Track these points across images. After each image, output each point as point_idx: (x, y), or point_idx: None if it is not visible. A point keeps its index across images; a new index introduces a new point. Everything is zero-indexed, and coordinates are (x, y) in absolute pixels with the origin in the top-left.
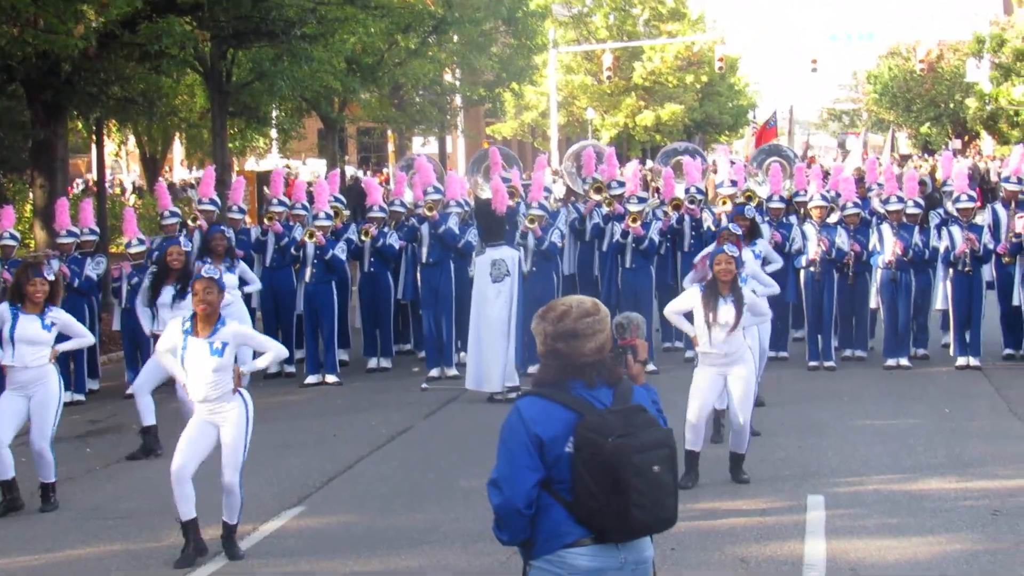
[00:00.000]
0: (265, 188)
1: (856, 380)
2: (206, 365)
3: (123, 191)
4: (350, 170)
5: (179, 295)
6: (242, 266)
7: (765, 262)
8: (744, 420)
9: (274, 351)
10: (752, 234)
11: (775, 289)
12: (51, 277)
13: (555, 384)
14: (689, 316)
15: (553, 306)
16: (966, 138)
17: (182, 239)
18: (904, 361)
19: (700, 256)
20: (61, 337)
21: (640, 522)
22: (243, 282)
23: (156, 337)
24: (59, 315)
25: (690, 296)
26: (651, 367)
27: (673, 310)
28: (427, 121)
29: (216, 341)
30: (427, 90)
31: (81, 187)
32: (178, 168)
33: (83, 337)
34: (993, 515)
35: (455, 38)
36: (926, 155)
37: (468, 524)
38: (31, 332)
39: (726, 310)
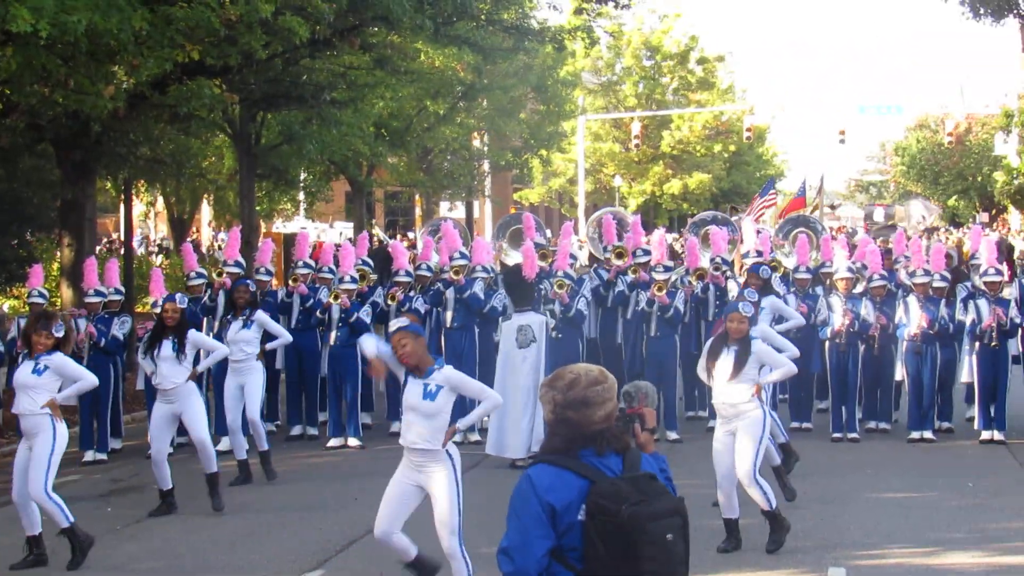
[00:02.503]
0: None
1: (879, 452)
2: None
3: (149, 251)
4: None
5: (178, 348)
6: (261, 317)
7: (780, 320)
8: (745, 472)
9: None
10: (763, 293)
11: (792, 351)
12: (59, 334)
13: (565, 452)
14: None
15: (561, 374)
16: (993, 212)
17: (178, 296)
18: (928, 434)
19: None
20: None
21: None
22: (269, 338)
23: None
24: (52, 359)
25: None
26: (674, 436)
27: (700, 367)
28: (454, 186)
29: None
30: (455, 155)
31: (107, 246)
32: (205, 229)
33: (81, 380)
34: None
35: (484, 104)
36: (952, 228)
37: None
38: (23, 377)
39: (726, 359)
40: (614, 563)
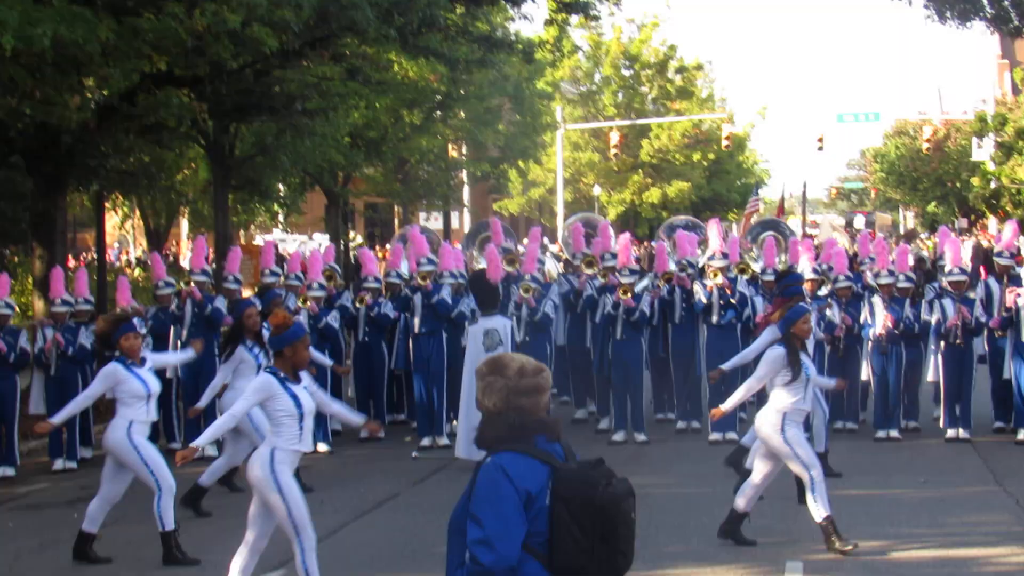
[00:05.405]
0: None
1: (845, 451)
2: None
3: (129, 264)
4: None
5: None
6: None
7: None
8: None
9: None
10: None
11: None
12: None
13: (522, 439)
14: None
15: (505, 362)
16: (972, 216)
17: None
18: (894, 433)
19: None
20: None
21: (622, 568)
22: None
23: None
24: None
25: (777, 359)
26: (642, 437)
27: (759, 377)
28: (431, 196)
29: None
30: (432, 165)
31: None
32: (185, 241)
33: None
34: None
35: (461, 114)
36: (932, 234)
37: None
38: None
39: (810, 363)
40: (588, 544)
